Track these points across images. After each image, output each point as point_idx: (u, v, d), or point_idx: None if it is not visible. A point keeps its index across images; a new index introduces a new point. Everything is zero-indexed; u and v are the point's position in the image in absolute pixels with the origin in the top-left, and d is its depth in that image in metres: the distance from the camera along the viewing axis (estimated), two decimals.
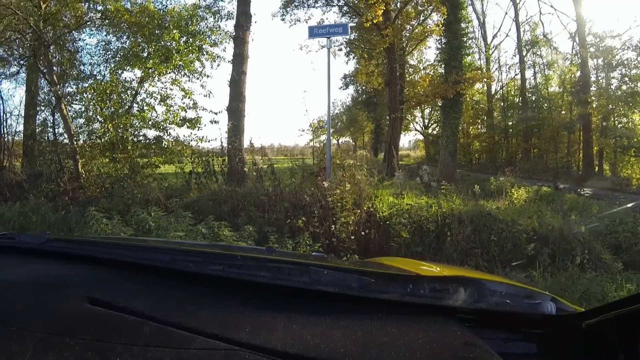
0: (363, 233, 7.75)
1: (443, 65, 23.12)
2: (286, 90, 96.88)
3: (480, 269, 6.68)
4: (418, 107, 32.71)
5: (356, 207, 7.95)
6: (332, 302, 1.29)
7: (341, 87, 39.50)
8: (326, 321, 1.19)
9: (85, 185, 12.20)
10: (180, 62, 14.01)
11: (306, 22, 23.86)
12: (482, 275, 2.03)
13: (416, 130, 41.13)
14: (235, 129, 12.64)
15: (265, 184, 9.63)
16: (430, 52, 48.66)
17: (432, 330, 1.16)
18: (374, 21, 19.04)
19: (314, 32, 10.81)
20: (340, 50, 28.26)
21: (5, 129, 15.98)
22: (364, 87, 35.98)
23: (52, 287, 1.43)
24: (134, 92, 14.36)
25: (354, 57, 30.79)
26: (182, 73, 14.59)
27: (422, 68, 31.24)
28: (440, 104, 24.36)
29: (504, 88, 35.43)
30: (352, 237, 7.60)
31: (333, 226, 7.60)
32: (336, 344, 1.08)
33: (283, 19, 24.10)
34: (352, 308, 1.26)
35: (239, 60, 13.42)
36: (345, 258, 6.74)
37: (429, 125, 40.34)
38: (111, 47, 16.04)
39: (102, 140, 13.36)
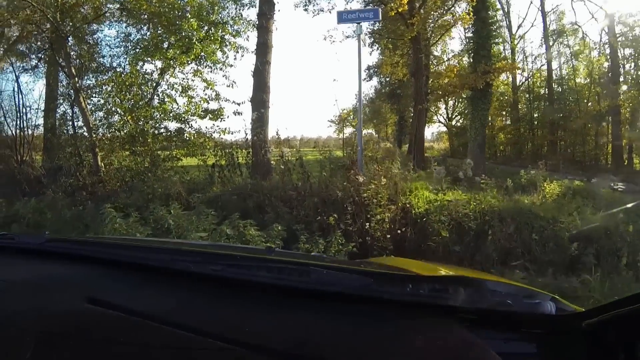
0: (399, 231, 7.24)
1: (472, 55, 22.32)
2: (309, 82, 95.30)
3: (524, 271, 6.21)
4: (442, 99, 31.95)
5: (391, 203, 7.43)
6: (332, 302, 1.27)
7: (365, 78, 38.37)
8: (326, 321, 1.20)
9: (104, 179, 11.89)
10: (202, 53, 13.62)
11: (329, 11, 23.19)
12: (482, 275, 2.09)
13: (439, 122, 40.51)
14: (260, 120, 12.17)
15: (292, 177, 9.16)
16: (453, 43, 47.92)
17: (432, 330, 1.17)
18: (399, 10, 18.51)
19: (343, 17, 10.23)
20: (363, 40, 27.59)
21: (24, 122, 15.85)
22: (387, 79, 35.27)
23: (52, 287, 1.43)
24: (155, 83, 14.04)
25: (377, 48, 30.21)
26: (204, 64, 14.23)
27: (446, 59, 30.53)
28: (467, 96, 23.98)
29: (529, 79, 34.50)
30: (388, 236, 7.10)
31: (367, 224, 7.11)
32: (336, 344, 1.09)
33: (306, 9, 23.30)
34: (352, 308, 1.25)
35: (263, 49, 12.94)
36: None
37: (453, 117, 39.64)
38: (131, 39, 15.77)
39: (122, 133, 13.06)
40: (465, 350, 1.10)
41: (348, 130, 33.36)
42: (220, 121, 13.63)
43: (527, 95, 34.81)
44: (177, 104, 13.69)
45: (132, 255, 1.67)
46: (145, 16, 14.14)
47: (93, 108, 13.97)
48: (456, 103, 37.90)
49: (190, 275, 1.43)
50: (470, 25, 21.90)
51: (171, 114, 13.53)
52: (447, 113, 39.74)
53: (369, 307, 1.23)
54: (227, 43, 14.30)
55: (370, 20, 11.81)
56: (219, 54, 14.22)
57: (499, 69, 20.83)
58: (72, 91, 14.37)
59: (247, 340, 1.07)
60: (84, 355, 1.04)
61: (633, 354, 1.06)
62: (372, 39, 28.72)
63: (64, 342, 1.08)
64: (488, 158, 28.16)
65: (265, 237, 6.10)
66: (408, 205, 7.57)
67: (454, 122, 39.73)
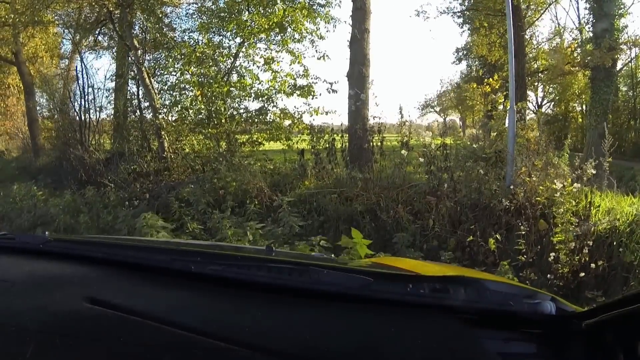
0: (593, 265, 4.75)
1: (591, 28, 19.78)
2: (400, 62, 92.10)
3: None
4: (538, 83, 29.34)
5: (575, 217, 5.07)
6: (332, 302, 1.25)
7: (454, 61, 36.72)
8: (326, 321, 1.20)
9: (171, 166, 10.58)
10: (287, 19, 11.88)
11: None
12: (482, 275, 2.04)
13: (529, 109, 37.76)
14: (358, 98, 10.00)
15: (408, 169, 7.04)
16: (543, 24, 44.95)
17: (432, 330, 1.16)
18: None
19: None
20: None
21: (88, 104, 14.49)
22: (478, 62, 32.60)
23: (52, 287, 1.43)
24: (233, 56, 12.52)
25: (469, 28, 27.88)
26: (290, 36, 12.52)
27: (545, 39, 27.98)
28: (586, 76, 21.29)
29: (633, 61, 31.04)
30: (581, 274, 4.71)
31: (552, 254, 4.77)
32: (336, 344, 1.09)
33: None
34: (352, 308, 1.23)
35: (361, 15, 10.68)
36: None
37: (542, 103, 36.86)
38: (204, 10, 14.38)
39: (191, 112, 11.72)
40: (465, 350, 1.09)
41: (431, 117, 31.94)
42: (312, 99, 11.92)
43: (630, 80, 31.26)
44: (259, 79, 12.12)
45: (132, 255, 1.63)
46: None
47: (163, 87, 12.96)
48: (546, 88, 34.96)
49: (191, 275, 1.40)
50: None
51: (252, 91, 11.95)
52: (537, 99, 37.18)
53: (369, 307, 1.22)
54: (317, 13, 12.58)
55: None
56: (307, 24, 12.53)
57: (627, 43, 18.38)
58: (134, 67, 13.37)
59: (247, 340, 1.05)
60: (84, 355, 1.04)
61: (633, 354, 1.03)
62: (462, 18, 26.69)
63: (64, 342, 1.06)
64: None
65: None
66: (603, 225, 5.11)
67: (544, 109, 36.99)
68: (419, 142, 7.78)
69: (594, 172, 5.67)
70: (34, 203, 9.32)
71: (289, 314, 1.22)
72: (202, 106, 11.16)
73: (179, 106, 11.99)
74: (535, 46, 27.09)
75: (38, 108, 27.61)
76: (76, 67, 15.84)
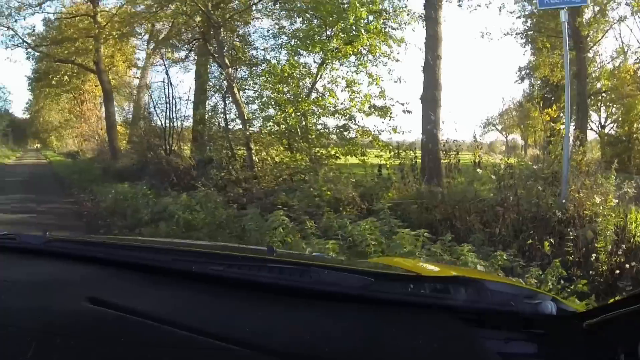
0: (627, 265, 5.66)
1: None
2: (462, 82, 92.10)
3: None
4: (600, 104, 29.16)
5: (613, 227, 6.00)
6: (332, 302, 1.26)
7: (516, 80, 36.45)
8: (326, 321, 1.20)
9: (259, 175, 11.38)
10: (366, 45, 12.74)
11: (487, 6, 21.72)
12: (482, 275, 2.13)
13: (591, 129, 37.36)
14: (431, 119, 10.88)
15: (475, 185, 7.90)
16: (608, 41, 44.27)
17: (432, 330, 1.16)
18: None
19: (544, 1, 8.83)
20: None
21: (174, 114, 15.94)
22: (539, 82, 32.69)
23: (52, 287, 1.45)
24: (314, 77, 13.35)
25: (531, 48, 28.31)
26: (366, 59, 13.29)
27: (609, 57, 27.58)
28: None
29: None
30: (617, 271, 5.65)
31: (594, 255, 5.69)
32: (336, 344, 1.09)
33: (460, 5, 21.93)
34: (352, 308, 1.24)
35: (433, 42, 11.55)
36: None
37: (606, 124, 36.35)
38: (284, 31, 15.38)
39: (281, 127, 12.55)
40: (465, 350, 1.10)
41: (493, 135, 31.91)
42: (390, 119, 12.64)
43: None
44: (338, 98, 12.92)
45: (132, 255, 1.69)
46: (302, 5, 13.60)
47: (247, 101, 13.75)
48: (608, 108, 34.62)
49: (191, 275, 1.43)
50: None
51: (331, 109, 12.80)
52: (600, 120, 36.72)
53: (369, 307, 1.23)
54: (389, 36, 13.30)
55: (577, 4, 10.26)
56: (383, 47, 13.28)
57: None
58: (224, 82, 14.23)
59: (247, 340, 1.06)
60: (84, 355, 1.04)
61: (634, 355, 1.00)
62: (525, 39, 27.19)
63: (65, 342, 1.07)
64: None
65: (488, 265, 4.90)
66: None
67: (606, 130, 36.46)
68: (489, 161, 8.71)
69: (634, 192, 6.75)
70: (147, 201, 10.05)
71: (289, 314, 1.23)
72: (293, 122, 11.98)
73: (271, 121, 12.80)
74: (599, 65, 26.83)
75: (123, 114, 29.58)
76: (150, 78, 17.02)
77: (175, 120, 15.94)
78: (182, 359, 1.02)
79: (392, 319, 1.18)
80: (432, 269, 2.01)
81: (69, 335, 1.09)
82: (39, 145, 69.84)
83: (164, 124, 15.87)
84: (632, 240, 5.99)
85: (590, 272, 5.62)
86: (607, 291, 5.36)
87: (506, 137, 38.50)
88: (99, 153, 28.01)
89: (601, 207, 6.30)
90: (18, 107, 75.58)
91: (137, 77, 30.65)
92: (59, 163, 34.89)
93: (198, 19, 14.28)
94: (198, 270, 1.44)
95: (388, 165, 10.10)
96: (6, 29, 23.16)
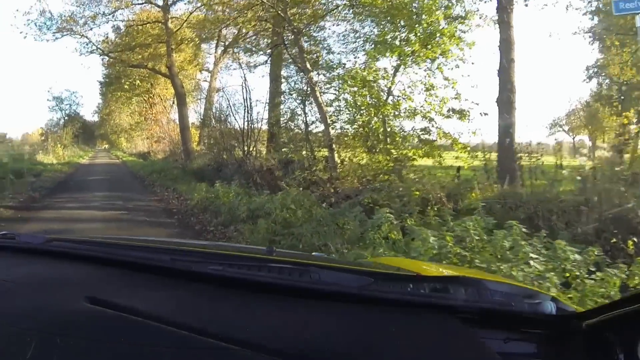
0: None
1: None
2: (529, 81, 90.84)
3: None
4: None
5: None
6: (332, 302, 1.28)
7: (584, 79, 35.49)
8: (326, 321, 1.20)
9: (342, 175, 11.83)
10: (446, 46, 12.94)
11: (554, 5, 21.56)
12: (482, 275, 2.07)
13: None
14: (507, 122, 11.35)
15: (559, 188, 8.21)
16: None
17: (432, 330, 1.18)
18: None
19: (620, 7, 9.02)
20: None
21: (251, 116, 16.51)
22: (609, 81, 32.19)
23: (52, 287, 1.44)
24: (391, 80, 13.63)
25: (600, 46, 27.74)
26: (439, 62, 13.36)
27: None
28: None
29: None
30: None
31: None
32: (336, 344, 1.09)
33: (526, 4, 21.80)
34: (352, 308, 1.25)
35: (506, 46, 11.98)
36: None
37: None
38: (359, 35, 15.84)
39: (365, 130, 12.88)
40: (465, 350, 1.11)
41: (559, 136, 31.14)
42: (468, 122, 12.76)
43: None
44: (413, 101, 13.09)
45: (132, 255, 1.68)
46: (377, 10, 13.79)
47: (326, 103, 14.06)
48: None
49: (191, 275, 1.45)
50: None
51: (408, 112, 12.99)
52: None
53: (369, 307, 1.25)
54: (462, 40, 13.42)
55: None
56: (456, 50, 13.38)
57: None
58: (304, 86, 14.74)
59: (247, 340, 1.07)
60: (84, 355, 1.04)
61: (633, 355, 1.05)
62: (592, 37, 26.61)
63: (64, 342, 1.07)
64: None
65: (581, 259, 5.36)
66: None
67: None
68: (570, 164, 9.04)
69: None
70: (240, 199, 10.49)
71: (289, 314, 1.23)
72: (377, 125, 12.38)
73: (355, 124, 13.13)
74: None
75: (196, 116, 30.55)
76: (220, 81, 17.61)
77: (253, 122, 16.47)
78: (182, 359, 1.03)
79: (391, 319, 1.21)
80: (432, 268, 2.07)
81: (69, 335, 1.09)
82: (107, 146, 72.85)
83: (241, 126, 16.39)
84: None
85: None
86: None
87: (573, 138, 37.58)
88: (171, 154, 28.92)
89: None
90: (87, 110, 78.64)
91: (207, 81, 31.77)
92: (133, 163, 36.43)
93: (269, 25, 14.97)
94: (198, 270, 1.46)
95: (466, 167, 10.49)
96: (80, 36, 24.31)
